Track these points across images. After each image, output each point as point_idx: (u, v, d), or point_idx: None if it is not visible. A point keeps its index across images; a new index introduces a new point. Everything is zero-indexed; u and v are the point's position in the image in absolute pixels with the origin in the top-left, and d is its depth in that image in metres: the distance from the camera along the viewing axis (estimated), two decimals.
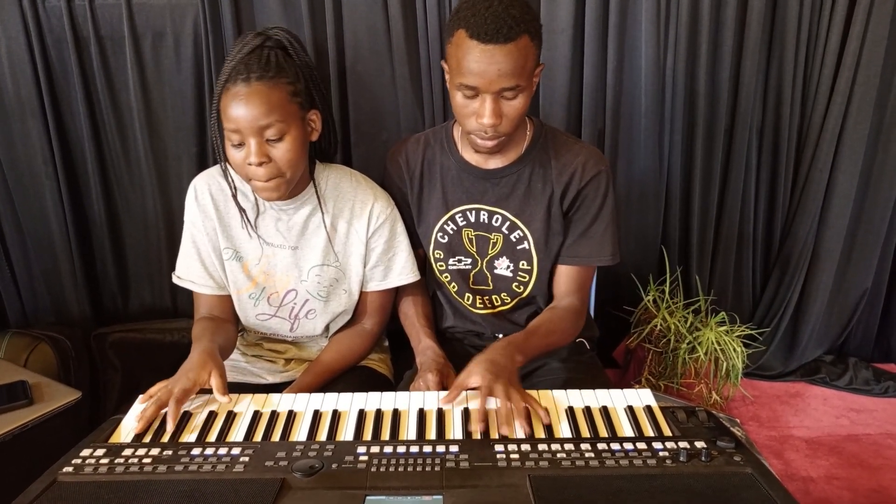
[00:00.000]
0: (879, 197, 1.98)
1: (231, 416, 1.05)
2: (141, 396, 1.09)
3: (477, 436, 0.98)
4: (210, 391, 1.10)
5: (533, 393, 1.09)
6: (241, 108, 1.13)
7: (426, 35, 1.69)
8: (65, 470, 0.89)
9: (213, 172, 1.32)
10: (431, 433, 1.00)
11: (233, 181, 1.28)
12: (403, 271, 1.40)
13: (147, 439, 0.99)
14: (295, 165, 1.21)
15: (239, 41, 1.19)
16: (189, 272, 1.35)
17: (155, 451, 0.93)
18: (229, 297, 1.38)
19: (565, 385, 1.13)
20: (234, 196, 1.28)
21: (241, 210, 1.29)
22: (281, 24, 1.65)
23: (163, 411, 1.04)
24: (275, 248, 1.34)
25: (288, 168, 1.19)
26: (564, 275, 1.40)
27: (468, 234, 1.40)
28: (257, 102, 1.13)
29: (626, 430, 1.01)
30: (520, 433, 0.98)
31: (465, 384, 1.09)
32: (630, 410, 1.05)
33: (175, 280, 1.37)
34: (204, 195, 1.31)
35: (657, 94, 1.80)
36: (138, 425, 1.01)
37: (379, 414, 1.05)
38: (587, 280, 1.42)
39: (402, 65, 1.71)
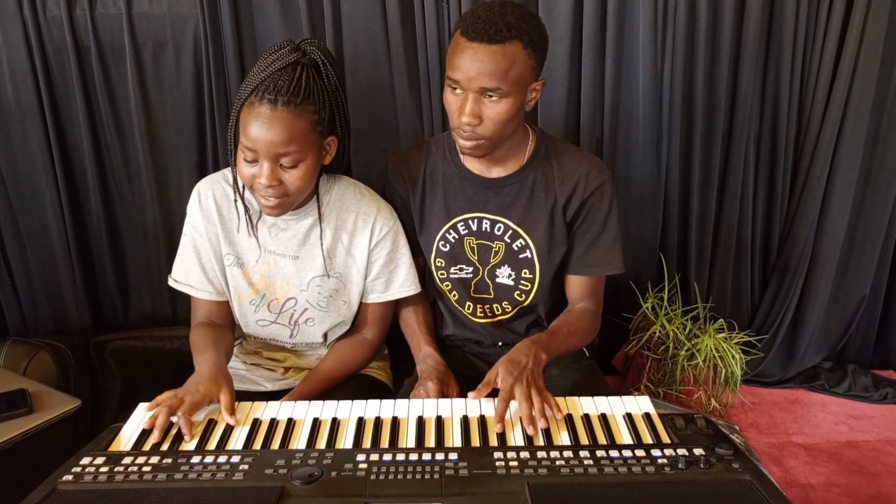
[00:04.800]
0: (877, 203, 1.98)
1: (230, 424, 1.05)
2: (146, 405, 1.08)
3: (493, 441, 0.99)
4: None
5: None
6: (261, 131, 1.12)
7: (425, 44, 1.70)
8: (64, 478, 0.89)
9: (218, 178, 1.33)
10: (430, 441, 1.00)
11: (240, 182, 1.27)
12: (405, 284, 1.40)
13: (146, 447, 0.99)
14: (304, 191, 1.22)
15: (274, 50, 1.18)
16: (187, 276, 1.35)
17: (154, 460, 0.93)
18: (227, 303, 1.38)
19: (564, 392, 1.13)
20: (242, 196, 1.28)
21: (246, 210, 1.29)
22: (281, 34, 1.67)
23: (172, 419, 1.04)
24: (276, 255, 1.34)
25: (296, 192, 1.20)
26: (576, 283, 1.42)
27: (470, 242, 1.40)
28: (279, 130, 1.12)
29: (624, 437, 1.01)
30: (530, 431, 1.01)
31: (492, 382, 1.12)
32: (629, 418, 1.06)
33: (171, 283, 1.36)
34: (208, 200, 1.31)
35: (655, 102, 1.80)
36: (156, 434, 1.00)
37: (378, 421, 1.05)
38: (599, 286, 1.44)
39: (401, 73, 1.72)
